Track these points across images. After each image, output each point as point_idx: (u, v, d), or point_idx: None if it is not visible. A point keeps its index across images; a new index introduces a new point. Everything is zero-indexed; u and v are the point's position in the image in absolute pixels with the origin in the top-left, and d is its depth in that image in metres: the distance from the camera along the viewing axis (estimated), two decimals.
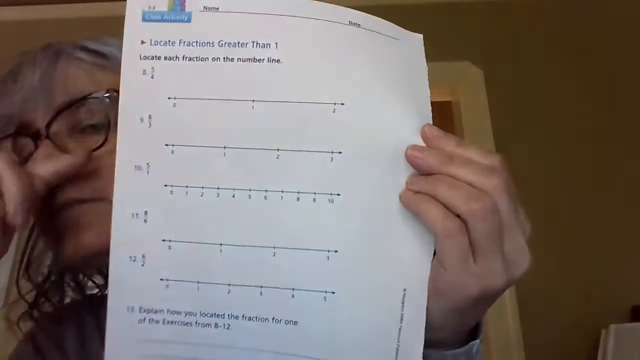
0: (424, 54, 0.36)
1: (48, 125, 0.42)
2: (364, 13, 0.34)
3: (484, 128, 1.58)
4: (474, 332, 0.38)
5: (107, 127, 0.43)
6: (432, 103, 0.35)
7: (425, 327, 0.34)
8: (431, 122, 0.34)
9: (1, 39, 1.17)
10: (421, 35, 0.36)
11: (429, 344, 0.35)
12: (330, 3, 0.34)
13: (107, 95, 0.43)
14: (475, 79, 1.62)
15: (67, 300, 0.57)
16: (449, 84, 1.61)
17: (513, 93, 1.62)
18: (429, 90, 0.35)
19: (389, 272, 0.34)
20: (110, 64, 0.46)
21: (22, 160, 0.44)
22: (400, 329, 0.34)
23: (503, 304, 1.45)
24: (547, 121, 1.60)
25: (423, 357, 0.34)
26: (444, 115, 1.72)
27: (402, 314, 0.34)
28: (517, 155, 1.58)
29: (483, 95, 1.61)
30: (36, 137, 0.43)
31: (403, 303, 0.34)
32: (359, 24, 0.34)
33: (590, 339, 1.43)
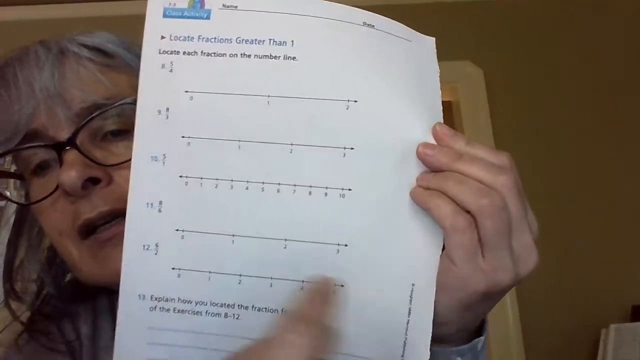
0: (435, 56, 0.37)
1: (75, 134, 0.40)
2: (378, 15, 0.35)
3: (484, 128, 1.59)
4: (479, 330, 0.39)
5: (130, 132, 0.39)
6: None
7: (432, 321, 0.34)
8: (442, 122, 0.35)
9: (1, 39, 1.17)
10: (433, 39, 0.37)
11: (435, 340, 0.35)
12: (337, 2, 0.34)
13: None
14: (475, 79, 1.63)
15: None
16: (449, 84, 1.61)
17: (513, 93, 1.62)
18: (440, 91, 0.36)
19: (398, 267, 0.34)
20: (116, 62, 0.44)
21: (31, 172, 0.43)
22: (408, 323, 0.34)
23: (503, 303, 1.46)
24: (547, 121, 1.60)
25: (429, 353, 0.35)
26: (444, 115, 1.72)
27: (410, 307, 0.34)
28: (517, 155, 1.57)
29: (483, 95, 1.61)
30: (60, 147, 0.40)
31: (411, 297, 0.34)
32: (372, 25, 0.35)
33: (590, 339, 1.44)
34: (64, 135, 0.41)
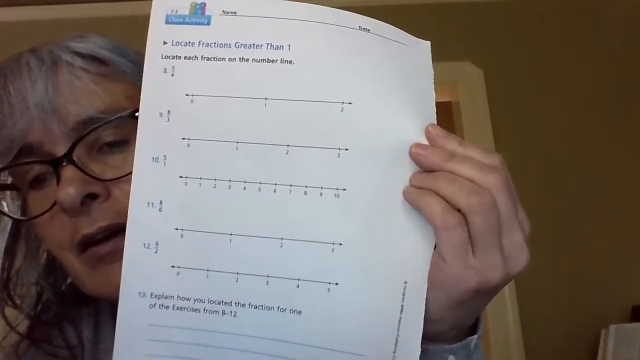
0: (430, 60, 0.38)
1: (71, 150, 0.40)
2: (374, 19, 0.36)
3: (484, 128, 1.59)
4: (473, 329, 0.39)
5: (127, 144, 0.41)
6: None
7: (425, 319, 0.35)
8: (435, 123, 0.36)
9: (1, 39, 1.17)
10: (429, 42, 0.38)
11: (428, 337, 0.36)
12: (337, 3, 0.35)
13: (136, 114, 0.37)
14: (475, 79, 1.63)
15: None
16: (449, 84, 1.62)
17: (513, 93, 1.62)
18: (435, 94, 0.37)
19: (391, 265, 0.35)
20: (112, 71, 0.44)
21: (28, 185, 0.43)
22: (400, 320, 0.35)
23: (503, 303, 1.46)
24: (547, 121, 1.60)
25: (422, 351, 0.35)
26: (444, 115, 1.71)
27: (403, 305, 0.35)
28: (517, 155, 1.58)
29: (483, 95, 1.62)
30: (57, 163, 0.40)
31: (404, 295, 0.35)
32: (368, 29, 0.36)
33: (590, 339, 1.44)
34: (59, 150, 0.40)
